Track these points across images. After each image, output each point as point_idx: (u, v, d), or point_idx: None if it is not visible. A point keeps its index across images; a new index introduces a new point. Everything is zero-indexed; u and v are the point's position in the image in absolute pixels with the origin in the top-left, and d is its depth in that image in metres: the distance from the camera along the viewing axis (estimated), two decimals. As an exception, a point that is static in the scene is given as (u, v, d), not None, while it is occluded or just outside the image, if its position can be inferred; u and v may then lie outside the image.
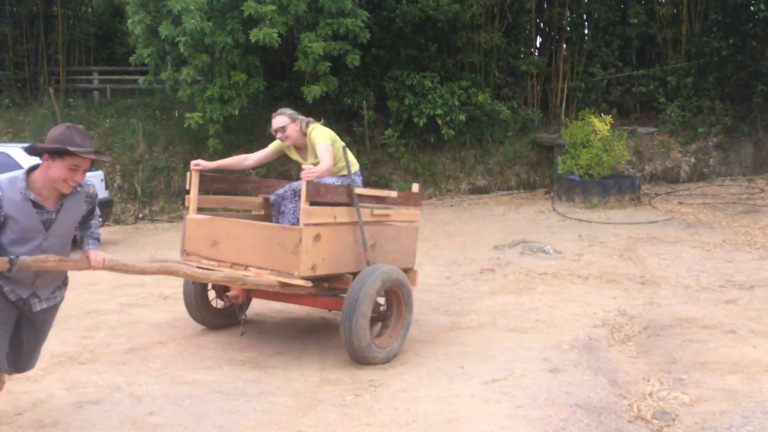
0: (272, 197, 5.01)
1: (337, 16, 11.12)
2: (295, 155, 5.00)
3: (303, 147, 4.93)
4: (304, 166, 4.42)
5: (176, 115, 13.63)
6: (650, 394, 3.96)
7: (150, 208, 12.83)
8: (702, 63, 14.02)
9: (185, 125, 11.72)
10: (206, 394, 4.00)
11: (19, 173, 3.13)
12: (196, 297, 5.04)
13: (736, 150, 13.86)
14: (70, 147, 3.02)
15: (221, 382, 4.18)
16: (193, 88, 11.66)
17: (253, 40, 10.33)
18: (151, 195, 13.05)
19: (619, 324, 5.34)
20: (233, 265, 4.45)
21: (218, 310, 5.23)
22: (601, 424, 3.49)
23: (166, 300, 6.39)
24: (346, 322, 4.20)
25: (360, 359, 4.28)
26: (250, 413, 3.69)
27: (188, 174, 4.76)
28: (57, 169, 3.06)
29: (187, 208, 4.82)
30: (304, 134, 4.86)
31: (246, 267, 4.41)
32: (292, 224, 4.62)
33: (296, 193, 4.78)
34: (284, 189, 4.96)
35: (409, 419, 3.57)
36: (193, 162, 4.84)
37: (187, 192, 4.79)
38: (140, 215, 12.69)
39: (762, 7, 12.36)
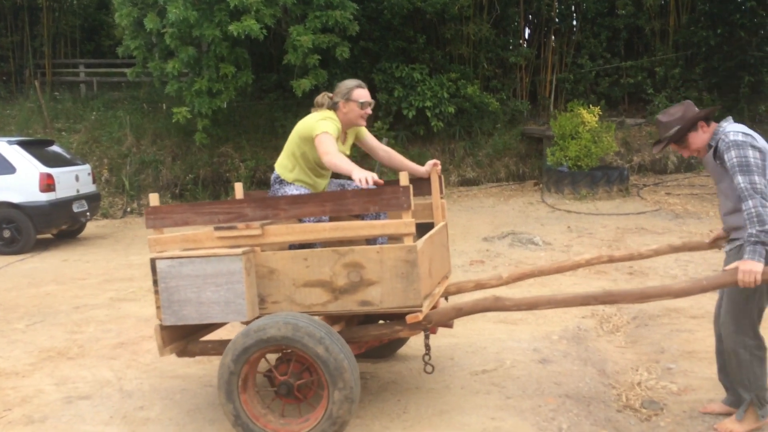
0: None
1: (326, 9, 11.07)
2: (338, 143, 3.77)
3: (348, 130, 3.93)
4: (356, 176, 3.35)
5: (164, 108, 13.55)
6: (639, 384, 3.99)
7: (138, 201, 12.76)
8: (689, 54, 14.09)
9: (173, 120, 11.66)
10: (197, 388, 4.00)
11: None
12: None
13: (723, 141, 13.94)
14: None
15: (212, 376, 4.18)
16: (180, 82, 11.59)
17: (235, 34, 10.26)
18: (139, 189, 12.98)
19: (607, 314, 5.38)
20: (439, 283, 3.79)
21: None
22: (590, 414, 3.52)
23: (156, 294, 6.36)
24: None
25: None
26: (240, 407, 3.68)
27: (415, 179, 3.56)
28: None
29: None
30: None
31: (442, 280, 3.85)
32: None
33: None
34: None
35: (400, 411, 3.58)
36: (433, 161, 3.96)
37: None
38: (128, 209, 12.63)
39: (749, -3, 12.45)
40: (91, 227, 10.88)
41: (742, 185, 2.96)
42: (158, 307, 3.32)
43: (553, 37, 15.02)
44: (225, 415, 3.18)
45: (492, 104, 13.48)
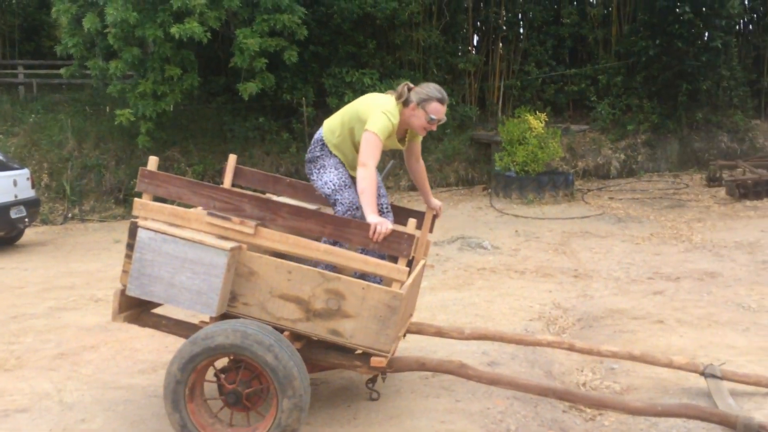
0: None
1: (274, 12, 10.99)
2: (393, 137, 3.62)
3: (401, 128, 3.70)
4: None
5: (107, 110, 13.19)
6: (584, 384, 4.09)
7: (80, 207, 12.39)
8: (631, 63, 14.53)
9: (116, 122, 11.37)
10: (141, 398, 3.90)
11: None
12: None
13: (663, 147, 14.45)
14: None
15: (157, 386, 4.07)
16: (124, 83, 11.31)
17: (177, 36, 10.07)
18: (80, 194, 12.60)
19: (554, 317, 5.48)
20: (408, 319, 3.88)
21: None
22: (537, 415, 3.58)
23: (98, 303, 6.19)
24: None
25: None
26: (187, 417, 3.60)
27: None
28: None
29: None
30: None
31: (407, 319, 3.79)
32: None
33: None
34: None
35: (351, 417, 3.57)
36: (440, 205, 4.04)
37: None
38: (69, 215, 12.25)
39: (687, 9, 12.90)
40: (29, 234, 10.50)
41: None
42: (124, 272, 3.21)
43: (500, 44, 15.27)
44: (171, 425, 3.11)
45: (441, 110, 13.58)
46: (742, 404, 3.56)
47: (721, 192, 11.54)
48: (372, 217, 3.17)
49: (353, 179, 3.60)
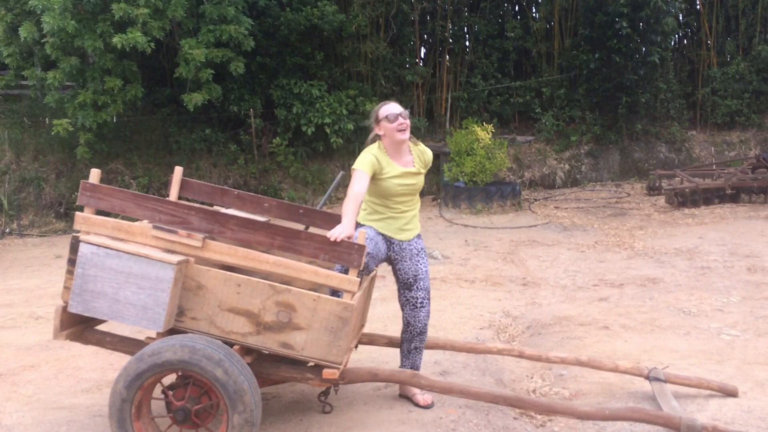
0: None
1: (219, 23, 10.87)
2: (393, 165, 3.75)
3: (402, 148, 3.80)
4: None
5: (46, 122, 12.78)
6: (534, 391, 4.15)
7: (18, 222, 11.94)
8: (573, 75, 14.95)
9: (53, 132, 11.03)
10: (85, 419, 3.77)
11: None
12: None
13: (605, 157, 14.89)
14: None
15: (102, 405, 3.94)
16: (62, 93, 10.98)
17: (119, 46, 9.86)
18: (19, 208, 12.15)
19: (503, 325, 5.55)
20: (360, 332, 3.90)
21: None
22: (489, 423, 3.61)
23: (38, 320, 5.96)
24: None
25: None
26: (134, 436, 3.49)
27: None
28: None
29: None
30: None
31: (358, 330, 3.83)
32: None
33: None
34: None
35: (303, 430, 3.53)
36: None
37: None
38: (7, 230, 11.78)
39: (624, 24, 13.36)
40: (-37, 250, 10.06)
41: None
42: (66, 288, 3.11)
43: (447, 56, 15.49)
44: None
45: (390, 121, 13.65)
46: (686, 406, 3.68)
47: (661, 200, 11.94)
48: (339, 226, 3.22)
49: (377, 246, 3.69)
